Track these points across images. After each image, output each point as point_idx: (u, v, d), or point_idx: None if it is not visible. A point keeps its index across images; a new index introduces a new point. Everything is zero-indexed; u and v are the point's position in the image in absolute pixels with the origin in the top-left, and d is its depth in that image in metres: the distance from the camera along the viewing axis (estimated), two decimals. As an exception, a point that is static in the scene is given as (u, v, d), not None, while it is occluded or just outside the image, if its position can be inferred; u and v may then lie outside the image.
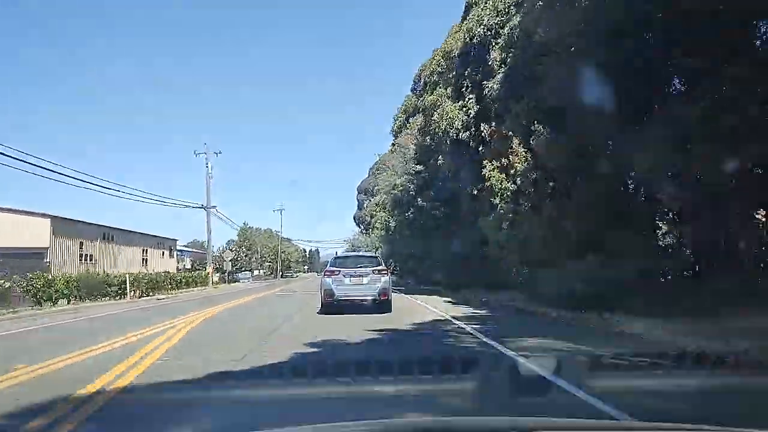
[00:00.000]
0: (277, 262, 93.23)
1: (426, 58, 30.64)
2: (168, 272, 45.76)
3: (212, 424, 4.57)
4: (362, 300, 14.78)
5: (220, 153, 44.87)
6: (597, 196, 12.58)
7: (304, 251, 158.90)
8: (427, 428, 2.24)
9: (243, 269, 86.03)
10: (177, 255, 71.45)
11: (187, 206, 43.14)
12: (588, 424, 2.57)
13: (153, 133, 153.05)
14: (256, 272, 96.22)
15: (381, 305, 14.67)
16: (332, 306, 14.70)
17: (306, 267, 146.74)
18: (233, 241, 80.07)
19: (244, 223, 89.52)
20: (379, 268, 15.20)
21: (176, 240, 59.91)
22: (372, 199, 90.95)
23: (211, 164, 43.84)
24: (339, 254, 25.83)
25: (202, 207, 43.38)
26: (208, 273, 43.84)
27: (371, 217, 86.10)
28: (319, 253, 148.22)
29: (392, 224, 31.94)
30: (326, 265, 16.58)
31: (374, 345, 9.24)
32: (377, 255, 20.45)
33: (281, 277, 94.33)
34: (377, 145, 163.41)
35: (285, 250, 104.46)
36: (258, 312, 17.61)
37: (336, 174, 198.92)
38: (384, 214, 43.31)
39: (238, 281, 65.25)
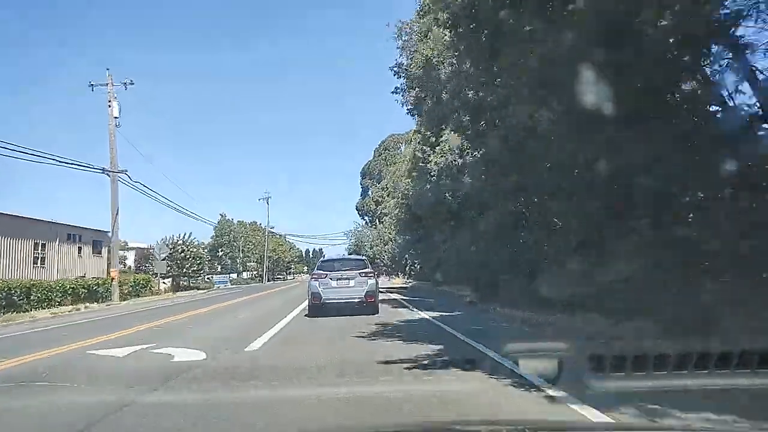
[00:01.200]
0: (263, 262, 76.13)
1: None
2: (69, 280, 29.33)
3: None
4: (349, 302, 14.54)
5: (131, 83, 28.02)
6: None
7: (307, 251, 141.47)
8: (428, 429, 2.33)
9: (214, 271, 69.48)
10: (124, 254, 55.17)
11: (82, 168, 26.32)
12: (587, 424, 2.77)
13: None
14: (245, 274, 79.73)
15: (367, 307, 14.51)
16: (319, 309, 14.59)
17: (306, 268, 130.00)
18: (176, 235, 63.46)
19: (221, 215, 72.96)
20: (365, 270, 15.25)
21: (106, 232, 43.13)
22: (378, 184, 74.24)
23: (117, 103, 27.00)
24: (325, 257, 23.55)
25: (102, 171, 26.59)
26: (112, 278, 27.04)
27: (377, 203, 69.21)
28: (322, 252, 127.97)
29: (437, 160, 13.41)
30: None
31: None
32: (364, 258, 19.94)
33: (269, 280, 77.47)
34: (380, 131, 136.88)
35: (276, 249, 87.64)
36: None
37: (336, 163, 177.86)
38: (405, 166, 26.04)
39: (202, 289, 48.73)
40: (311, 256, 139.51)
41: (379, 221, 60.99)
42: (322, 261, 17.70)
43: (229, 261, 71.74)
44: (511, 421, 2.17)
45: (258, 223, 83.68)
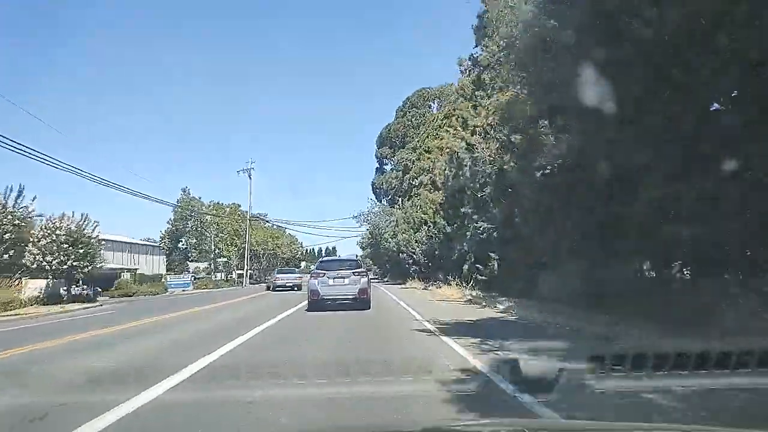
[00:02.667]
0: (245, 258, 55.86)
1: None
2: None
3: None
4: (344, 298, 16.23)
5: None
6: None
7: (320, 250, 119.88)
8: (427, 429, 2.34)
9: (178, 270, 49.74)
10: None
11: None
12: (586, 425, 2.59)
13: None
14: (237, 273, 60.32)
15: (360, 302, 16.14)
16: (318, 304, 16.21)
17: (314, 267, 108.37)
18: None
19: (183, 191, 53.17)
20: (358, 270, 16.96)
21: None
22: (404, 149, 53.88)
23: None
24: (323, 258, 28.92)
25: None
26: None
27: (405, 170, 48.87)
28: (335, 250, 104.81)
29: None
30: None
31: None
32: (357, 258, 21.94)
33: (258, 282, 57.68)
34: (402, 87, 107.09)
35: (268, 241, 67.60)
36: None
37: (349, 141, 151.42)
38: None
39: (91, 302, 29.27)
40: (324, 254, 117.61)
41: (406, 196, 40.76)
42: (320, 261, 20.52)
43: (196, 253, 51.76)
44: (511, 421, 2.13)
45: (256, 214, 63.76)
